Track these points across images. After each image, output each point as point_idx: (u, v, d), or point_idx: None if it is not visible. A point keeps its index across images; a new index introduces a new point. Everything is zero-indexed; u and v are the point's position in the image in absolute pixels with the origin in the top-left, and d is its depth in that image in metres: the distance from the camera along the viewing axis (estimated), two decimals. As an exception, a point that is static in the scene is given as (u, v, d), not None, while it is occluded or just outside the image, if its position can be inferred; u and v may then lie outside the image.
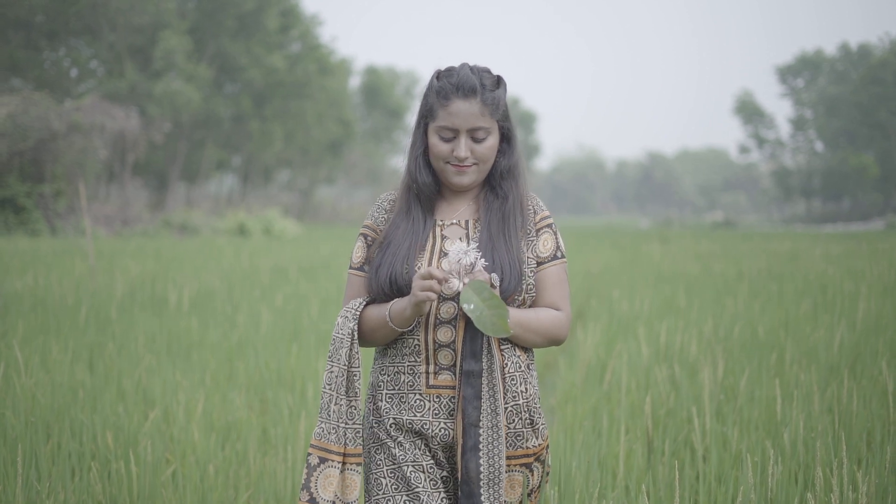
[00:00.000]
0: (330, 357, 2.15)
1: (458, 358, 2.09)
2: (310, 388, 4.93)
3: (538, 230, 2.21)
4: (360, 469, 2.14)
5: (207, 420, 4.31)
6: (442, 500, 2.10)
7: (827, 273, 11.65)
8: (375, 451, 2.16)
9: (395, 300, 2.10)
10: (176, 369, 5.38)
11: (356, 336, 2.14)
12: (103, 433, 3.83)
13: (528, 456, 2.16)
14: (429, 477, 2.11)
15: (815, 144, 62.92)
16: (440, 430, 2.11)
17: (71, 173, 25.60)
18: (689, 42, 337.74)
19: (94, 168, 27.25)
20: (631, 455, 3.82)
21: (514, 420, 2.13)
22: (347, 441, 2.12)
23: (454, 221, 2.20)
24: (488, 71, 2.17)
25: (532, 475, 2.18)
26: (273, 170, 47.23)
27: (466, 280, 2.02)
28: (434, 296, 1.99)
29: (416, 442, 2.12)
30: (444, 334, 2.10)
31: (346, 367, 2.13)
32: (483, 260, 2.04)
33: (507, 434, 2.12)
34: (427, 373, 2.12)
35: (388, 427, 2.13)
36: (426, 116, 2.17)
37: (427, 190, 2.19)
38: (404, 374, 2.14)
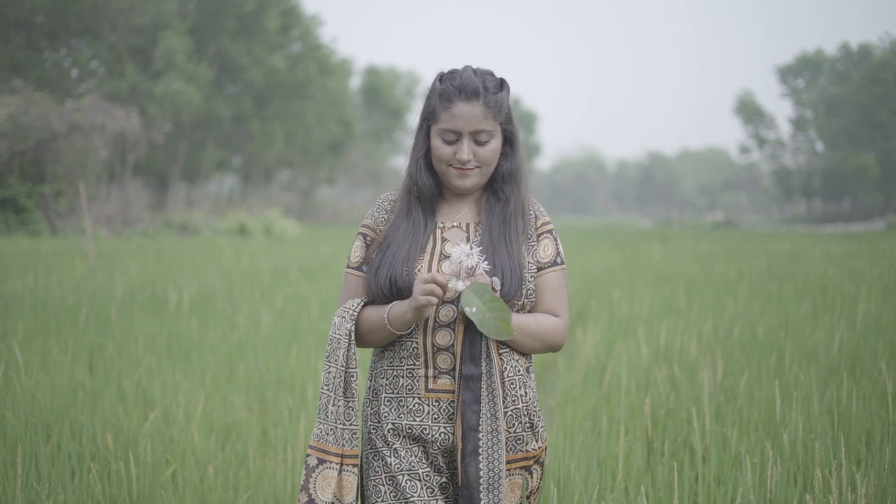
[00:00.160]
0: (327, 357, 2.14)
1: (458, 362, 2.08)
2: (309, 389, 4.93)
3: (539, 235, 2.20)
4: (356, 470, 2.13)
5: (207, 421, 4.31)
6: None
7: (827, 273, 11.65)
8: (373, 458, 2.15)
9: (395, 303, 2.09)
10: (176, 370, 5.39)
11: (353, 337, 2.13)
12: (103, 434, 3.83)
13: (527, 459, 2.16)
14: (425, 485, 2.09)
15: (815, 144, 62.92)
16: (440, 435, 2.10)
17: (71, 173, 25.61)
18: (690, 42, 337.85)
19: (94, 168, 27.26)
20: (630, 456, 3.82)
21: (514, 424, 2.12)
22: (344, 442, 2.12)
23: (455, 224, 2.19)
24: (491, 73, 2.16)
25: (531, 477, 2.18)
26: (274, 170, 47.24)
27: (467, 283, 2.01)
28: (436, 300, 1.98)
29: (413, 449, 2.11)
30: (443, 338, 2.09)
31: (343, 368, 2.12)
32: (485, 263, 2.03)
33: (507, 438, 2.12)
34: (426, 377, 2.11)
35: (386, 433, 2.12)
36: (428, 119, 2.16)
37: (428, 192, 2.18)
38: (403, 377, 2.13)
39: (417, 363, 2.11)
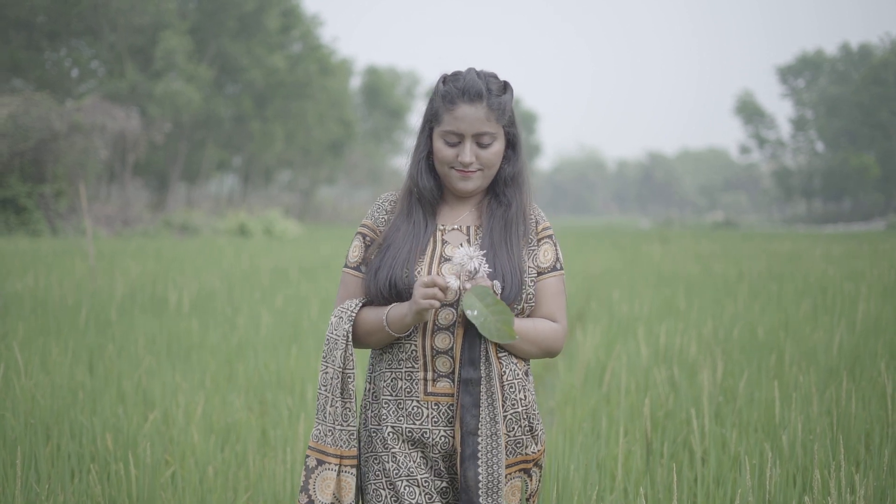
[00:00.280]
0: (324, 358, 2.13)
1: (457, 365, 2.07)
2: (309, 390, 4.94)
3: (539, 240, 2.19)
4: (354, 471, 2.13)
5: (207, 422, 4.31)
6: None
7: (827, 274, 11.65)
8: (373, 461, 2.13)
9: (394, 305, 2.08)
10: (176, 371, 5.39)
11: (350, 338, 2.11)
12: (103, 435, 3.83)
13: (527, 462, 2.15)
14: (423, 491, 2.08)
15: (815, 145, 62.91)
16: (440, 438, 2.09)
17: (72, 173, 25.61)
18: (690, 42, 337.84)
19: (94, 168, 27.27)
20: (630, 457, 3.82)
21: (514, 428, 2.12)
22: (342, 443, 2.11)
23: (455, 227, 2.18)
24: (495, 76, 2.15)
25: (531, 480, 2.17)
26: (274, 170, 47.25)
27: (468, 285, 1.99)
28: (438, 304, 1.97)
29: (412, 454, 2.10)
30: (442, 341, 2.08)
31: (340, 370, 2.11)
32: (487, 266, 2.02)
33: (507, 442, 2.11)
34: (425, 380, 2.10)
35: (386, 436, 2.11)
36: (431, 120, 2.15)
37: (429, 194, 2.17)
38: (402, 379, 2.12)
39: (416, 366, 2.10)
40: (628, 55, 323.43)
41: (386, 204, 2.23)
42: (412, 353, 2.10)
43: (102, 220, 27.63)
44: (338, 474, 2.11)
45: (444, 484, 2.12)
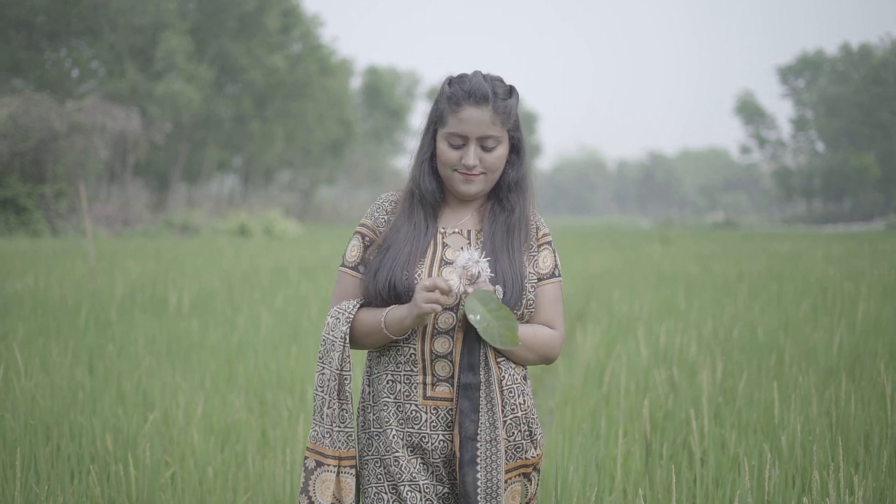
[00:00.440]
0: (321, 359, 2.12)
1: (456, 370, 2.06)
2: (309, 391, 4.94)
3: (539, 246, 2.19)
4: (353, 471, 2.12)
5: (207, 422, 4.31)
6: None
7: (827, 274, 11.65)
8: (375, 464, 2.12)
9: (393, 307, 2.07)
10: (176, 371, 5.39)
11: (348, 340, 2.10)
12: (102, 435, 3.84)
13: (526, 466, 2.15)
14: (425, 497, 2.07)
15: (816, 145, 62.91)
16: (439, 443, 2.08)
17: (72, 174, 25.62)
18: (690, 42, 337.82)
19: (95, 168, 27.27)
20: (629, 458, 3.82)
21: (513, 433, 2.11)
22: (340, 445, 2.10)
23: (456, 230, 2.16)
24: (501, 80, 2.13)
25: (530, 484, 2.17)
26: (274, 170, 47.25)
27: (470, 289, 1.98)
28: (440, 308, 1.96)
29: (414, 460, 2.09)
30: (442, 345, 2.07)
31: (338, 371, 2.10)
32: (489, 271, 2.01)
33: (507, 447, 2.10)
34: (424, 384, 2.08)
35: (391, 439, 2.09)
36: (436, 122, 2.14)
37: (430, 197, 2.16)
38: (400, 382, 2.10)
39: (415, 370, 2.09)
40: (628, 55, 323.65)
41: (386, 204, 2.22)
42: (411, 356, 2.09)
43: (103, 220, 27.64)
44: (337, 475, 2.10)
45: (446, 489, 2.11)
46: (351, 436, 2.12)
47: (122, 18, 32.18)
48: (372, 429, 2.15)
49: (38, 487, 3.33)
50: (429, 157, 2.17)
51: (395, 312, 2.05)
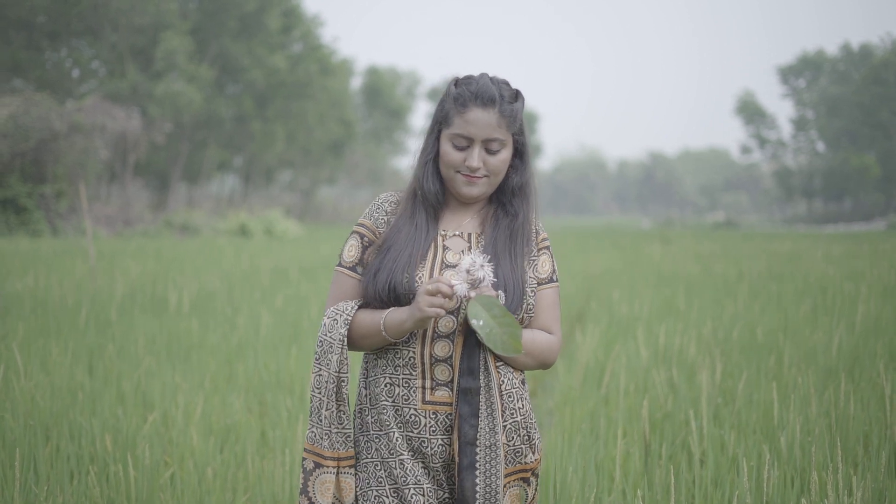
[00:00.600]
0: (318, 360, 2.10)
1: (456, 374, 2.04)
2: (308, 392, 4.94)
3: (539, 250, 2.18)
4: (352, 471, 2.11)
5: (206, 423, 4.31)
6: None
7: (827, 274, 11.65)
8: (375, 467, 2.10)
9: (392, 309, 2.05)
10: (175, 371, 5.39)
11: (346, 342, 2.08)
12: (102, 436, 3.84)
13: (525, 471, 2.14)
14: (428, 501, 2.06)
15: (816, 145, 62.91)
16: (438, 448, 2.07)
17: (72, 174, 25.62)
18: (690, 42, 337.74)
19: (95, 168, 27.28)
20: (628, 458, 3.83)
21: (513, 437, 2.10)
22: (339, 446, 2.09)
23: (457, 233, 2.15)
24: (507, 83, 2.12)
25: (529, 488, 2.16)
26: (274, 170, 47.25)
27: (473, 294, 1.96)
28: (443, 313, 1.94)
29: (417, 464, 2.07)
30: (442, 349, 2.05)
31: (336, 374, 2.08)
32: (492, 276, 1.99)
33: (506, 451, 2.09)
34: (423, 388, 2.07)
35: (394, 441, 2.07)
36: (441, 122, 2.12)
37: (433, 198, 2.14)
38: (399, 386, 2.08)
39: (414, 373, 2.07)
40: (629, 55, 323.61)
41: (385, 205, 2.19)
42: (410, 360, 2.07)
43: (103, 220, 27.65)
44: (336, 476, 2.10)
45: (446, 494, 2.10)
46: (349, 437, 2.11)
47: (122, 18, 32.19)
48: (371, 431, 2.12)
49: (37, 488, 3.33)
50: (433, 157, 2.15)
51: (395, 315, 2.03)
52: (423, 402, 2.07)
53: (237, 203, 43.21)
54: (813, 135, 62.35)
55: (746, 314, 7.78)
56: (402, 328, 2.01)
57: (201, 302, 8.82)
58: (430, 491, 2.06)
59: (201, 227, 29.41)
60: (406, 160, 2.23)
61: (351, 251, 2.16)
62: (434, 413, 2.07)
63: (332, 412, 2.09)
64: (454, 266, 2.08)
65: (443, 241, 2.14)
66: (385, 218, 2.17)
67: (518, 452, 2.11)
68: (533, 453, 2.15)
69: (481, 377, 2.03)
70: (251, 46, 37.91)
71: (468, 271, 1.96)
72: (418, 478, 2.06)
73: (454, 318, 2.04)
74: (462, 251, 2.12)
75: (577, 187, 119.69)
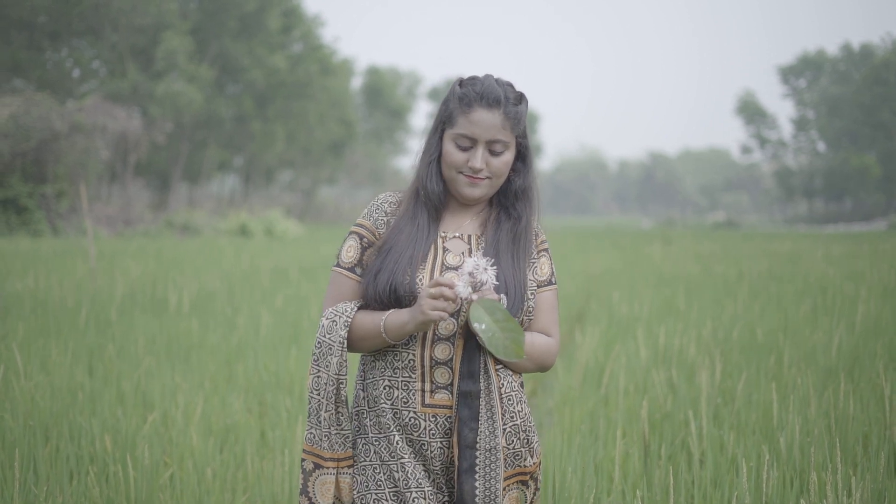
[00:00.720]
0: (316, 361, 2.08)
1: (456, 377, 2.04)
2: (307, 392, 4.93)
3: (538, 253, 2.18)
4: (351, 470, 2.10)
5: (206, 423, 4.32)
6: None
7: (827, 274, 11.65)
8: (375, 471, 2.08)
9: (392, 311, 2.03)
10: (175, 372, 5.40)
11: (346, 345, 2.07)
12: (102, 436, 3.84)
13: (524, 474, 2.13)
14: None
15: (817, 145, 62.92)
16: (438, 451, 2.06)
17: (73, 174, 25.64)
18: (690, 42, 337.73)
19: (95, 168, 27.30)
20: (627, 459, 3.83)
21: (513, 441, 2.09)
22: (338, 447, 2.08)
23: (457, 235, 2.14)
24: (512, 85, 2.12)
25: (528, 490, 2.16)
26: (275, 170, 47.27)
27: (475, 297, 1.95)
28: (447, 315, 1.93)
29: (417, 468, 2.06)
30: (442, 352, 2.04)
31: (335, 376, 2.06)
32: (494, 279, 1.98)
33: (506, 455, 2.08)
34: (422, 391, 2.05)
35: (394, 444, 2.06)
36: (444, 122, 2.11)
37: (435, 199, 2.13)
38: (398, 388, 2.07)
39: (413, 376, 2.06)
40: (629, 55, 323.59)
41: (385, 205, 2.17)
42: (410, 362, 2.06)
43: (103, 220, 27.65)
44: (336, 476, 2.09)
45: (446, 498, 2.09)
46: (348, 438, 2.10)
47: (123, 18, 32.21)
48: (370, 434, 2.11)
49: (36, 488, 3.33)
50: (437, 158, 2.14)
51: (396, 317, 2.02)
52: (423, 405, 2.06)
53: (237, 203, 43.21)
54: (813, 135, 62.37)
55: (746, 314, 7.78)
56: (404, 330, 2.00)
57: (201, 302, 8.82)
58: (432, 494, 2.05)
59: (202, 228, 29.41)
60: (407, 160, 2.27)
61: (349, 252, 2.14)
62: (433, 416, 2.06)
63: (331, 414, 2.08)
64: (454, 268, 2.07)
65: (443, 242, 2.13)
66: (384, 218, 2.15)
67: (517, 456, 2.11)
68: (532, 457, 2.14)
69: (481, 380, 2.02)
70: (251, 46, 37.92)
71: (471, 274, 1.94)
72: (420, 481, 2.04)
73: (455, 321, 2.03)
74: (462, 253, 2.11)
75: (578, 187, 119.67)
